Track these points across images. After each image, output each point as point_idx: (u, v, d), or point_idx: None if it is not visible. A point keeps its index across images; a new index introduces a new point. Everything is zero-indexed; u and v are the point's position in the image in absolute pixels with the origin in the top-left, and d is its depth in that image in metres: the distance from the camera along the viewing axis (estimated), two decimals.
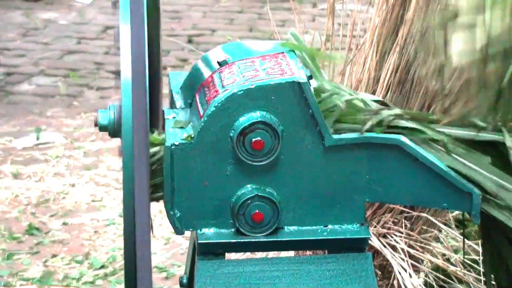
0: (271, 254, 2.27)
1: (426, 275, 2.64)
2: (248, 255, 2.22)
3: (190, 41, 5.92)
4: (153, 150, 1.77)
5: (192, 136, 1.76)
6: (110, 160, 4.36)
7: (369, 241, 1.87)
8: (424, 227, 2.67)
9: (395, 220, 2.62)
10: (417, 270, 2.61)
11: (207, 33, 6.33)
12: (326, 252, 1.87)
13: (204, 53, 1.96)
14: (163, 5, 7.17)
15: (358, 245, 1.82)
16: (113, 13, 6.43)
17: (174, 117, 1.86)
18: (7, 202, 4.00)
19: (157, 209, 1.82)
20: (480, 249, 2.64)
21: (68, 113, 5.03)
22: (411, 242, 2.61)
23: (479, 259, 2.63)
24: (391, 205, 2.58)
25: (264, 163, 1.76)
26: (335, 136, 1.77)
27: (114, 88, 5.25)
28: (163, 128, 1.86)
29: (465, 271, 2.65)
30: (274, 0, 6.48)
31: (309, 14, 6.23)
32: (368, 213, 2.58)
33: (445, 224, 2.72)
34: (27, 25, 6.45)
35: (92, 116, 4.83)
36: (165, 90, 2.08)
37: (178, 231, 1.80)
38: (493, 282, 1.93)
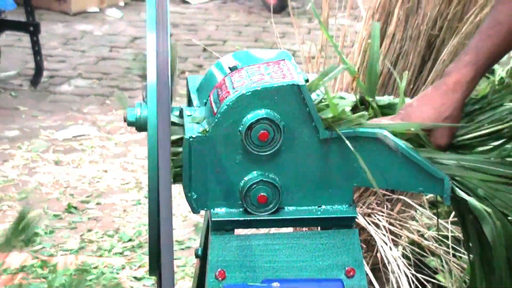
0: (273, 230, 2.27)
1: (404, 249, 2.64)
2: (253, 231, 2.22)
3: (204, 50, 5.91)
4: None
5: (207, 130, 1.75)
6: (137, 149, 4.36)
7: (356, 220, 1.87)
8: (403, 208, 2.67)
9: (378, 202, 2.62)
10: (396, 244, 2.61)
11: (219, 43, 6.33)
12: (320, 228, 1.86)
13: (217, 60, 1.96)
14: (183, 19, 7.18)
15: (346, 223, 1.81)
16: (140, 26, 6.43)
17: (191, 115, 1.85)
18: (50, 185, 4.01)
19: (177, 191, 1.81)
20: (449, 226, 2.64)
21: (102, 110, 5.04)
22: (391, 220, 2.61)
23: (449, 235, 2.63)
24: (375, 189, 2.58)
25: (268, 153, 1.75)
26: (328, 131, 1.77)
27: (141, 89, 5.25)
28: None
29: (437, 245, 2.65)
30: (276, 16, 6.50)
31: (306, 27, 6.22)
32: (355, 195, 2.57)
33: (420, 205, 2.71)
34: (67, 36, 6.45)
35: (122, 112, 4.82)
36: (183, 91, 2.07)
37: (195, 211, 1.79)
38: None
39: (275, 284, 1.68)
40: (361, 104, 1.87)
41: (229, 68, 1.86)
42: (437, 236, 2.66)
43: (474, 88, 1.81)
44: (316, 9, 2.02)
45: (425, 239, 2.66)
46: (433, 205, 2.73)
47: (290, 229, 2.27)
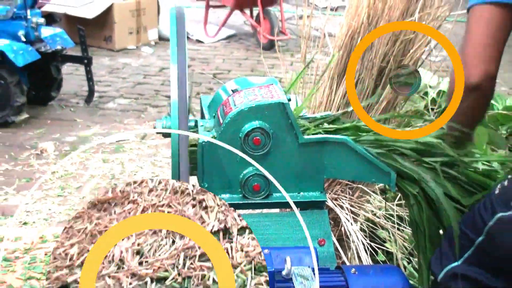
0: (264, 210, 2.26)
1: (361, 224, 2.63)
2: (250, 211, 2.22)
3: (214, 77, 5.91)
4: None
5: (215, 136, 1.75)
6: (164, 151, 4.35)
7: (326, 203, 1.86)
8: (361, 194, 2.66)
9: (342, 190, 2.61)
10: (355, 221, 2.60)
11: (225, 72, 6.32)
12: (299, 209, 1.86)
13: (223, 84, 1.96)
14: (198, 54, 7.15)
15: (319, 205, 1.81)
16: (167, 59, 6.40)
17: (203, 125, 1.85)
18: (99, 177, 4.00)
19: (193, 181, 1.80)
20: (395, 207, 2.63)
21: (138, 122, 5.03)
22: (352, 203, 2.60)
23: (395, 214, 2.62)
24: (340, 180, 2.57)
25: (260, 153, 1.75)
26: (305, 137, 1.77)
27: (167, 106, 5.24)
28: None
29: (386, 221, 2.64)
30: (266, 52, 6.50)
31: (289, 61, 6.21)
32: (326, 185, 2.57)
33: (374, 192, 2.71)
34: (112, 66, 6.44)
35: (152, 123, 4.82)
36: (198, 108, 2.06)
37: None
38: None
39: (266, 251, 1.67)
40: None
41: (232, 90, 1.86)
42: (385, 214, 2.66)
43: None
44: (296, 47, 2.01)
45: (377, 217, 2.65)
46: (383, 192, 2.72)
47: (277, 210, 2.26)
